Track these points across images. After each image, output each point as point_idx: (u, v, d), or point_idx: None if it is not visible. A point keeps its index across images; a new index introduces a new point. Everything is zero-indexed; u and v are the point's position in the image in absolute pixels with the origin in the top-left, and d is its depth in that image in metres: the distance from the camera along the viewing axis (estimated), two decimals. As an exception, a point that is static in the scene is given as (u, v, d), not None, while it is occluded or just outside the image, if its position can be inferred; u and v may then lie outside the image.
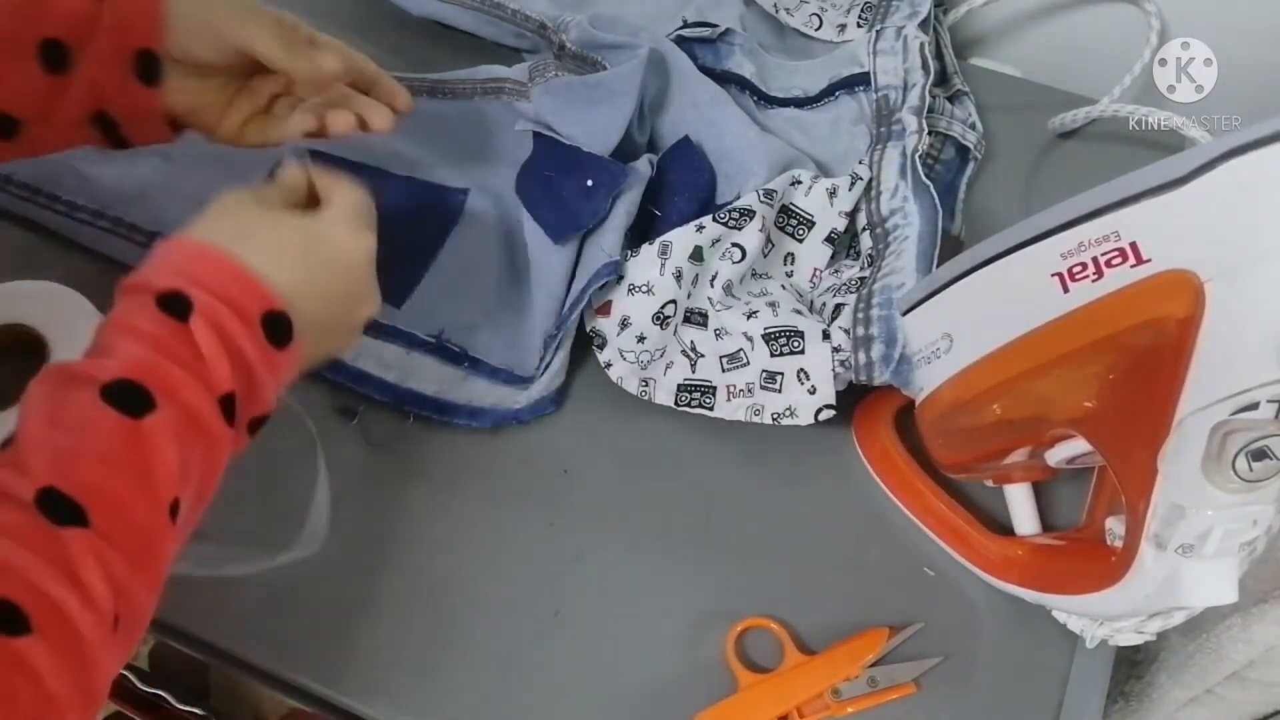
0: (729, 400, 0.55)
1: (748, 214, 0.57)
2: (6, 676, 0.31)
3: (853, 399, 0.56)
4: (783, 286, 0.59)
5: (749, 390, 0.54)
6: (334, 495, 0.53)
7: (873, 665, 0.51)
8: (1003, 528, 0.54)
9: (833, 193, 0.59)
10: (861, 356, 0.52)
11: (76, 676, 0.33)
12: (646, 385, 0.57)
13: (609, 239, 0.56)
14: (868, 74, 0.65)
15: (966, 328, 0.48)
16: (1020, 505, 0.53)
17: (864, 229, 0.59)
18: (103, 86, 0.47)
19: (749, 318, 0.55)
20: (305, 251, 0.43)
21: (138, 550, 0.35)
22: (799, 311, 0.55)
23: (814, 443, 0.57)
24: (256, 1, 0.50)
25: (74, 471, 0.35)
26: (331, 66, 0.51)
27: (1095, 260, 0.41)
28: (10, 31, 0.45)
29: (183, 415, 0.37)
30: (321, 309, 0.43)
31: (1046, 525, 0.54)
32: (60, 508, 0.34)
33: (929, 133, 0.63)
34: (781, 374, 0.54)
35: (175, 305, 0.38)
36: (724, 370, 0.55)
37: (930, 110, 0.64)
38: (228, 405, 0.39)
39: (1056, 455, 0.49)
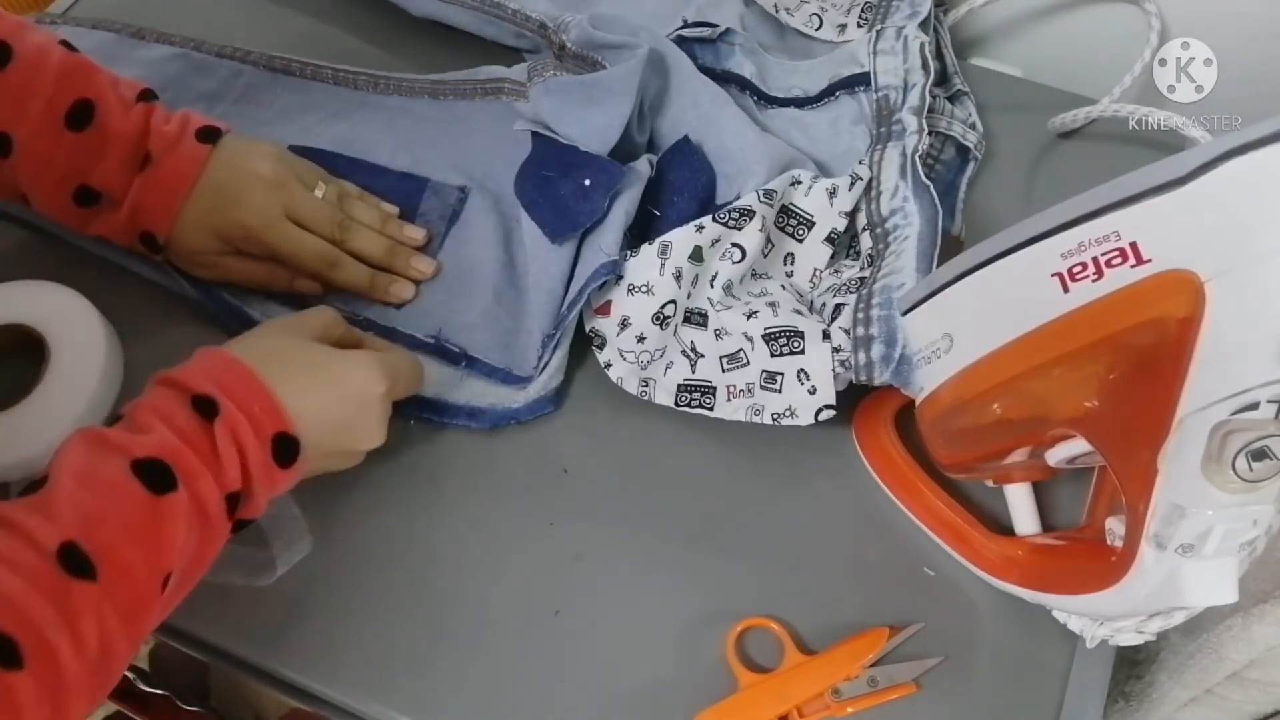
0: (729, 400, 0.55)
1: (747, 214, 0.57)
2: None
3: (853, 399, 0.56)
4: (783, 286, 0.59)
5: (749, 390, 0.54)
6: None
7: (873, 665, 0.50)
8: (1003, 528, 0.54)
9: (833, 193, 0.59)
10: (861, 356, 0.52)
11: (50, 718, 0.35)
12: (646, 385, 0.57)
13: (607, 238, 0.56)
14: (868, 74, 0.65)
15: (966, 328, 0.47)
16: (1020, 505, 0.53)
17: (864, 229, 0.59)
18: (112, 235, 0.57)
19: (749, 318, 0.55)
20: (322, 382, 0.48)
21: (131, 611, 0.39)
22: (799, 311, 0.55)
23: (814, 443, 0.57)
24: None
25: (96, 532, 0.38)
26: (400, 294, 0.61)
27: (1095, 260, 0.41)
28: (62, 170, 0.54)
29: (194, 502, 0.41)
30: (328, 435, 0.48)
31: (1046, 525, 0.54)
32: (77, 562, 0.37)
33: (929, 133, 0.63)
34: (781, 374, 0.54)
35: (205, 407, 0.43)
36: (724, 370, 0.55)
37: (930, 110, 0.64)
38: (231, 503, 0.44)
39: (1056, 455, 0.49)
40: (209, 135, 0.56)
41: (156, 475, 0.40)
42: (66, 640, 0.36)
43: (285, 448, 0.45)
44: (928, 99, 0.63)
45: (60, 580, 0.36)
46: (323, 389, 0.48)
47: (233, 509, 0.44)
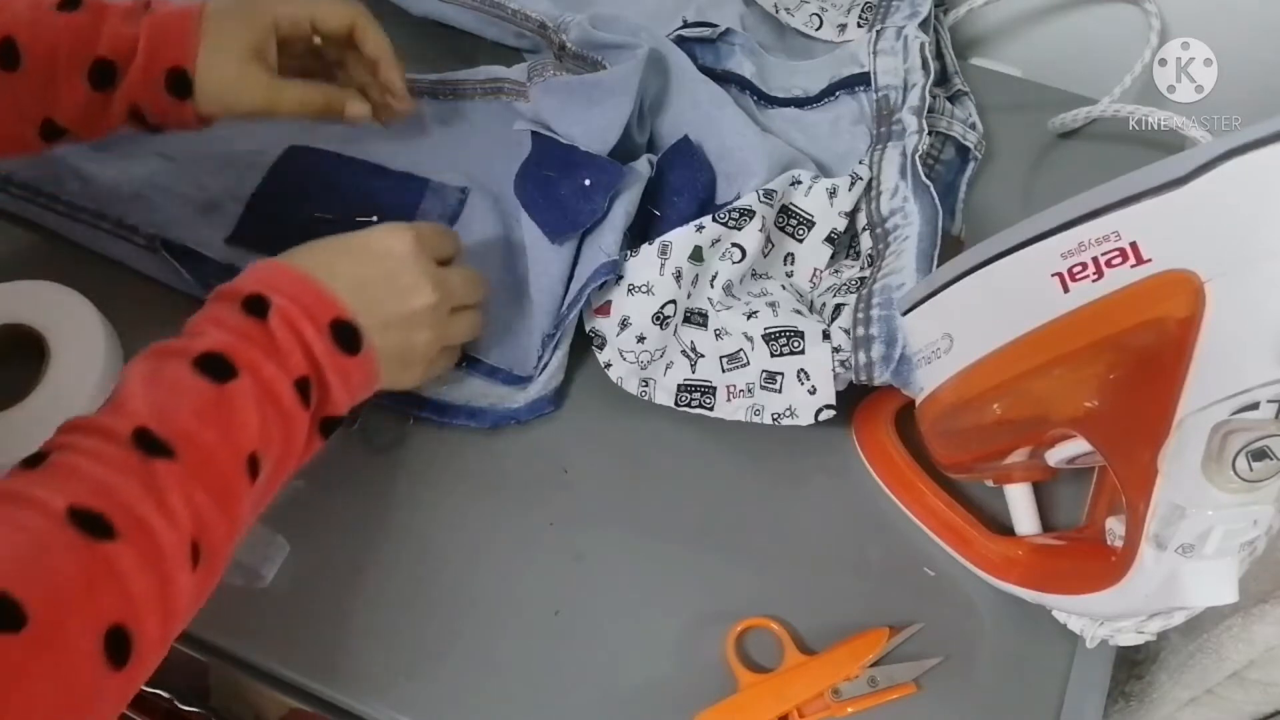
0: (729, 400, 0.55)
1: (747, 214, 0.57)
2: (92, 574, 0.35)
3: (853, 399, 0.56)
4: (783, 286, 0.59)
5: (749, 390, 0.54)
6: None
7: (873, 665, 0.51)
8: (1003, 528, 0.54)
9: (833, 193, 0.59)
10: (861, 356, 0.52)
11: (158, 586, 0.37)
12: (646, 385, 0.57)
13: (607, 239, 0.56)
14: (868, 74, 0.65)
15: (966, 328, 0.48)
16: (1020, 505, 0.53)
17: (864, 229, 0.59)
18: (139, 97, 0.54)
19: (749, 318, 0.55)
20: (347, 251, 0.49)
21: (218, 490, 0.40)
22: (799, 311, 0.55)
23: (814, 443, 0.57)
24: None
25: (167, 418, 0.40)
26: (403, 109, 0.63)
27: (1095, 260, 0.41)
28: (69, 52, 0.52)
29: (262, 388, 0.43)
30: (372, 298, 0.48)
31: (1046, 525, 0.54)
32: (153, 444, 0.39)
33: (929, 133, 0.63)
34: (781, 374, 0.54)
35: (256, 306, 0.44)
36: (724, 370, 0.55)
37: (930, 110, 0.64)
38: (303, 390, 0.44)
39: (1056, 455, 0.49)
40: None
41: (217, 366, 0.42)
42: (156, 513, 0.37)
43: (345, 333, 0.46)
44: (928, 99, 0.63)
45: (139, 461, 0.38)
46: (348, 255, 0.49)
47: (306, 399, 0.45)
